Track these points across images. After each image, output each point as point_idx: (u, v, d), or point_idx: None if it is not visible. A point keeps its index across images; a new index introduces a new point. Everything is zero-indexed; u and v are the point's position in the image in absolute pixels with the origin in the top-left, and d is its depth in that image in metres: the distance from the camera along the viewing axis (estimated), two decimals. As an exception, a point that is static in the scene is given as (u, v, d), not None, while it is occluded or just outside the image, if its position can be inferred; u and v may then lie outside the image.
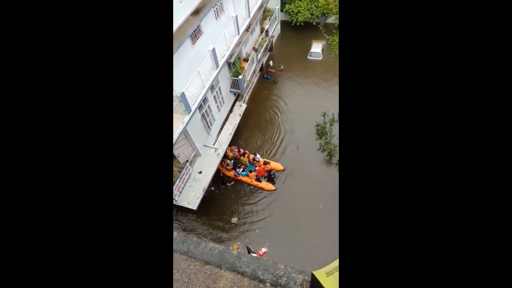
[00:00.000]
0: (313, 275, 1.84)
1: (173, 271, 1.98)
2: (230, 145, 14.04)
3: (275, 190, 13.07)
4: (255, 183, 13.22)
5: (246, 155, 13.89)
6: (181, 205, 11.80)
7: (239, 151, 14.08)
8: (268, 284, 1.96)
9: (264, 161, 13.72)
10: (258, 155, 13.86)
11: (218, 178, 13.62)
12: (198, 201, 11.90)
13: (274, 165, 13.69)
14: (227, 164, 13.70)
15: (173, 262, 2.07)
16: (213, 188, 13.40)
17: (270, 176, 13.28)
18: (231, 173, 13.60)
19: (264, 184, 13.13)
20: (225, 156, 13.80)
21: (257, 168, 13.49)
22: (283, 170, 13.62)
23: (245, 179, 13.40)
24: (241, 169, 13.56)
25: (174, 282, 1.90)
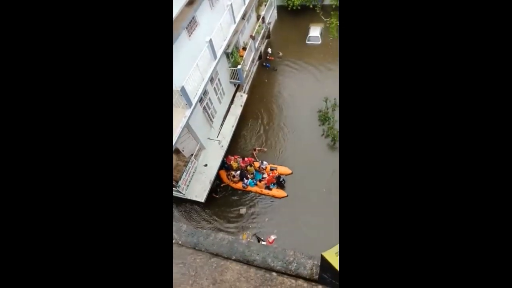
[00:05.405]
0: (322, 257, 1.85)
1: (180, 265, 2.00)
2: (233, 137, 13.97)
3: (287, 196, 12.62)
4: (266, 192, 12.69)
5: (253, 163, 13.17)
6: (189, 198, 11.94)
7: (243, 160, 13.25)
8: (274, 274, 1.96)
9: (271, 167, 13.11)
10: (264, 162, 13.21)
11: (218, 184, 13.05)
12: (205, 194, 12.02)
13: (282, 169, 13.05)
14: (233, 176, 12.88)
15: (179, 256, 2.09)
16: (216, 193, 13.00)
17: (280, 182, 12.76)
18: (239, 185, 12.86)
19: (275, 191, 12.66)
20: (230, 168, 13.19)
21: (264, 176, 12.84)
22: (291, 173, 13.10)
23: (254, 189, 12.78)
24: (249, 179, 12.78)
25: (181, 276, 1.91)
